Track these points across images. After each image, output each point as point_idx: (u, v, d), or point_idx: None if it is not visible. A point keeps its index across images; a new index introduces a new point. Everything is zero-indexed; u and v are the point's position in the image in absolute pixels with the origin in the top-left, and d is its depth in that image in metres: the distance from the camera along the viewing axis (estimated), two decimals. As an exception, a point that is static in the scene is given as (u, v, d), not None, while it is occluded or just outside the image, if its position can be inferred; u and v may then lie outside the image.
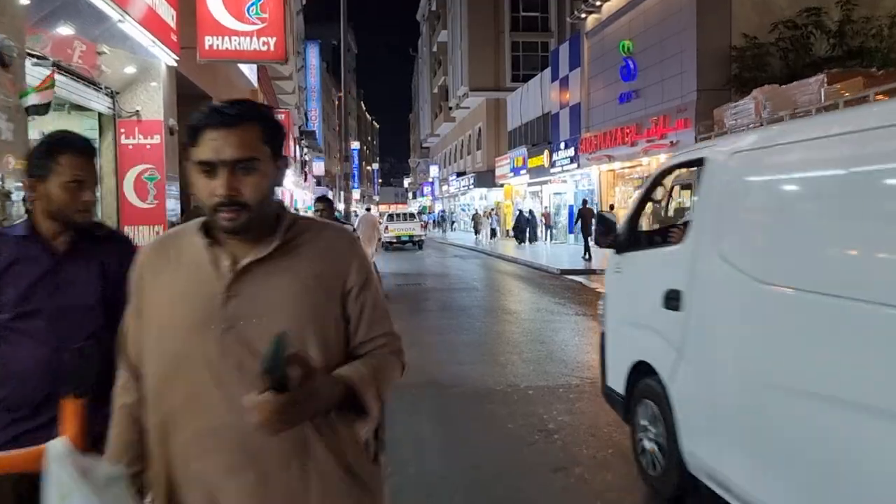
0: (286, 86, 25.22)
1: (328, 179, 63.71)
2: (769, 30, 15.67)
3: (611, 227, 4.28)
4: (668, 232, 4.17)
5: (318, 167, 53.26)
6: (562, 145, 26.54)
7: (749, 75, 15.85)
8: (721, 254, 3.08)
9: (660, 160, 19.71)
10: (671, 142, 17.75)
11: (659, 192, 4.98)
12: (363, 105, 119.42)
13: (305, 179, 39.98)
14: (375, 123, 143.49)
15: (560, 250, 24.88)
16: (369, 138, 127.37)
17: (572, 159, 25.36)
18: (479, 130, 44.39)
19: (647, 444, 3.79)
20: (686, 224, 3.63)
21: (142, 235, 9.95)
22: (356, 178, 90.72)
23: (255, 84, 17.44)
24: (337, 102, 70.47)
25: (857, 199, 2.39)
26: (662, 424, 3.56)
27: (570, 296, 13.12)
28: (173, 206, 10.24)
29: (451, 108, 50.31)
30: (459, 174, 48.36)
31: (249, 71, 16.43)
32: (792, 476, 2.57)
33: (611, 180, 24.66)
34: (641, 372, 3.82)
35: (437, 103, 57.76)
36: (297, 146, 28.10)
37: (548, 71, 30.60)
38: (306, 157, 39.67)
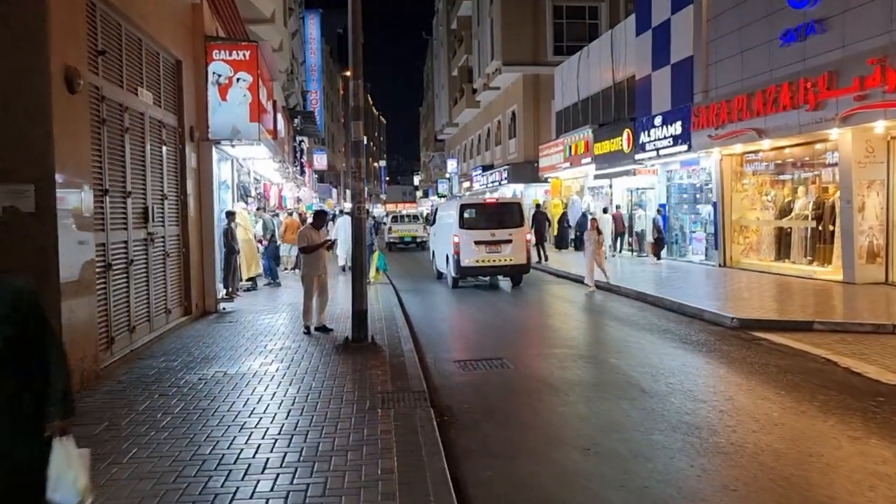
0: (265, 34, 17.62)
1: (332, 175, 56.16)
2: None
3: None
4: None
5: (320, 160, 45.69)
6: (656, 121, 18.86)
7: None
8: None
9: (875, 128, 12.03)
10: (927, 93, 10.11)
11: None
12: (370, 99, 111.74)
13: (303, 172, 32.31)
14: (383, 119, 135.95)
15: (659, 272, 17.27)
16: (376, 134, 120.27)
17: (678, 139, 17.69)
18: (513, 114, 36.68)
19: None
20: None
21: None
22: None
23: (196, -6, 9.83)
24: (341, 85, 62.94)
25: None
26: None
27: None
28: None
29: (475, 91, 42.59)
30: (486, 168, 40.67)
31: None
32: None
33: (736, 168, 16.98)
34: None
35: (458, 87, 49.94)
36: (284, 119, 20.38)
37: (624, 25, 22.98)
38: (304, 146, 32.05)
